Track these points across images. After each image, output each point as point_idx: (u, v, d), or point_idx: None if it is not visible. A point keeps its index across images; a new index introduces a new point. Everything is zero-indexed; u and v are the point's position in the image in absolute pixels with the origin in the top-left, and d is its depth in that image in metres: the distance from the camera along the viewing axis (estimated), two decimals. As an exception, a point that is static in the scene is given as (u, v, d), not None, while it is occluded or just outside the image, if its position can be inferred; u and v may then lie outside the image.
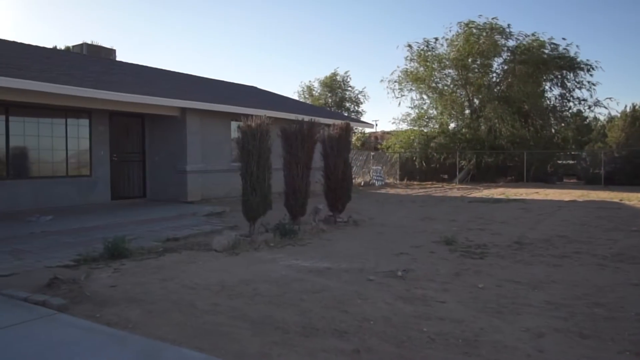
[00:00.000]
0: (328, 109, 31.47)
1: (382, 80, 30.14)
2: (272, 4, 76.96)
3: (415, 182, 24.82)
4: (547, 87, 25.69)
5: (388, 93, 33.36)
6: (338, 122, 17.96)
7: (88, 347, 3.44)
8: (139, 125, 13.99)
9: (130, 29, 77.95)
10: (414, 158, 25.77)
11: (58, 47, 26.26)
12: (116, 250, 6.46)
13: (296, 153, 9.13)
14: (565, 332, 3.75)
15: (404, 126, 27.82)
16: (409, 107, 27.85)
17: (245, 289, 4.97)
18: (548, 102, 25.94)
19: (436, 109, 26.53)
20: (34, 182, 11.65)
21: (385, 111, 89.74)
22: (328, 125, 16.46)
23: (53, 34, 74.08)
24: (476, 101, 26.09)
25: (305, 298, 4.68)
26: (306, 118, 15.86)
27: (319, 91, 33.29)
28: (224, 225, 9.47)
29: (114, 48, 19.27)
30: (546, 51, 24.29)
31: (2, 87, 9.16)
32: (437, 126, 26.37)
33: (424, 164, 25.51)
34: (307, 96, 33.67)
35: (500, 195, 16.95)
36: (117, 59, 18.54)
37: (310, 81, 37.21)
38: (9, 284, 5.02)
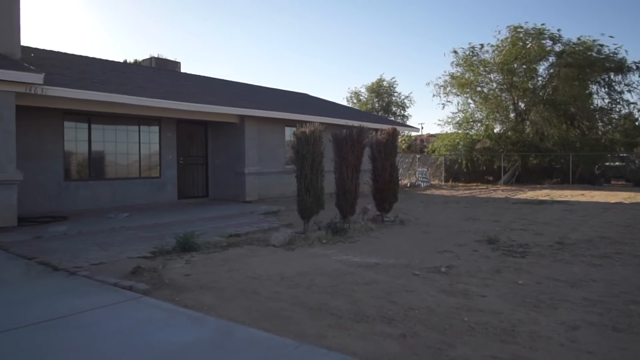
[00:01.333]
0: (375, 113, 31.51)
1: (428, 84, 29.93)
2: (322, 15, 77.59)
3: (460, 184, 24.51)
4: (593, 90, 24.68)
5: (434, 96, 33.09)
6: (385, 126, 18.10)
7: (171, 325, 3.84)
8: (203, 131, 14.69)
9: (192, 42, 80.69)
10: (459, 160, 25.43)
11: (128, 61, 27.72)
12: (186, 244, 6.89)
13: (346, 157, 9.33)
14: (599, 326, 3.84)
15: (449, 128, 27.50)
16: (454, 111, 27.52)
17: (302, 280, 5.28)
18: (595, 104, 24.92)
19: (481, 112, 26.05)
20: (112, 182, 12.50)
21: (431, 115, 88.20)
22: (375, 130, 16.66)
23: (124, 48, 77.72)
24: (522, 105, 25.42)
25: (356, 289, 4.94)
26: (355, 123, 16.13)
27: (366, 96, 33.36)
28: (280, 223, 9.78)
29: (178, 61, 20.24)
30: (593, 53, 23.36)
31: (88, 99, 10.00)
32: (482, 129, 25.88)
33: (469, 166, 25.13)
34: (354, 101, 33.80)
35: (545, 196, 16.53)
36: (182, 70, 19.47)
37: (357, 87, 37.41)
38: (99, 271, 5.55)
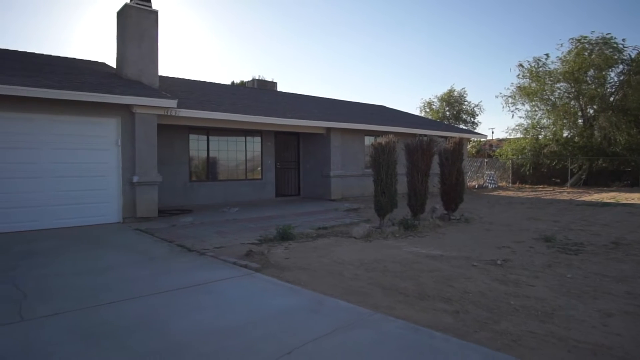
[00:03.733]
0: (446, 122, 30.88)
1: (497, 96, 28.80)
2: (397, 32, 76.80)
3: (526, 186, 23.39)
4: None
5: (503, 107, 31.80)
6: (454, 134, 17.98)
7: (276, 294, 4.53)
8: (295, 140, 15.62)
9: (285, 63, 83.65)
10: (526, 164, 24.27)
11: (235, 82, 29.72)
12: (285, 234, 7.61)
13: (417, 163, 9.55)
14: (634, 315, 3.94)
15: (517, 135, 26.26)
16: (521, 117, 26.24)
17: (377, 266, 5.77)
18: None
19: (548, 118, 24.60)
20: (224, 183, 13.78)
21: (502, 120, 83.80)
22: (445, 138, 16.59)
23: (231, 71, 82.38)
24: (590, 111, 23.67)
25: (422, 275, 5.34)
26: (425, 132, 16.23)
27: (437, 106, 32.73)
28: (359, 219, 10.18)
29: (275, 81, 21.47)
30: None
31: (208, 118, 11.24)
32: (550, 135, 24.43)
33: (535, 169, 23.89)
34: (427, 110, 33.30)
35: (611, 199, 15.43)
36: (278, 89, 20.66)
37: (430, 97, 36.81)
38: (221, 253, 6.40)
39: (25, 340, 3.33)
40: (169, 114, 10.06)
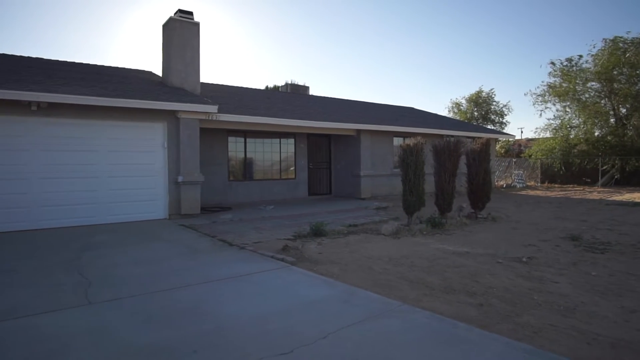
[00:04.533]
0: (474, 122, 30.30)
1: (526, 94, 27.83)
2: (426, 35, 75.77)
3: (556, 185, 22.69)
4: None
5: (533, 104, 30.88)
6: (481, 135, 17.75)
7: (311, 285, 4.75)
8: (327, 142, 15.83)
9: (317, 67, 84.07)
10: (555, 163, 23.54)
11: (269, 86, 30.25)
12: (317, 231, 7.82)
13: (444, 164, 9.57)
14: (656, 312, 3.94)
15: (546, 134, 25.49)
16: (550, 118, 25.42)
17: (405, 261, 5.91)
18: None
19: (579, 118, 23.77)
20: (260, 182, 14.15)
21: (531, 119, 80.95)
22: (472, 138, 16.43)
23: (266, 75, 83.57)
24: (623, 110, 22.74)
25: (447, 270, 5.44)
26: (453, 133, 16.12)
27: (465, 106, 32.14)
28: (388, 217, 10.27)
29: (307, 85, 21.75)
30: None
31: (245, 122, 11.61)
32: (580, 134, 23.60)
33: (565, 169, 23.15)
34: (455, 111, 32.77)
35: (643, 199, 14.88)
36: (310, 92, 20.92)
37: (458, 98, 36.22)
38: (259, 247, 6.68)
39: (92, 320, 3.69)
40: (210, 118, 10.48)
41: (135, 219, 9.37)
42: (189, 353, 3.01)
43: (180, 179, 9.80)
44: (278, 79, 73.30)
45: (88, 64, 13.01)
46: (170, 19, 11.58)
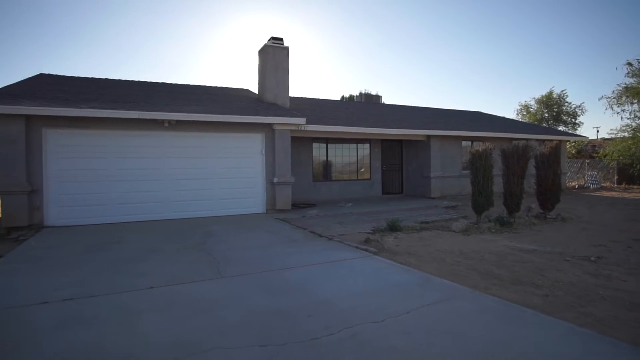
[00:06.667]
0: (544, 124, 28.20)
1: (600, 99, 25.20)
2: (494, 38, 71.46)
3: (635, 186, 20.50)
4: None
5: (606, 110, 27.97)
6: (551, 137, 16.71)
7: (392, 271, 5.18)
8: (399, 146, 16.01)
9: (389, 76, 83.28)
10: (635, 164, 21.18)
11: (344, 96, 30.86)
12: (393, 226, 8.17)
13: (512, 167, 9.34)
14: None
15: (624, 135, 22.97)
16: (629, 117, 22.83)
17: (475, 255, 6.08)
18: None
19: (661, 118, 21.14)
20: (339, 182, 14.78)
21: (607, 119, 72.63)
22: (542, 141, 15.57)
23: (341, 85, 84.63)
24: None
25: (515, 265, 5.53)
26: (521, 136, 15.43)
27: (535, 108, 29.98)
28: (457, 215, 10.24)
29: (379, 94, 22.00)
30: None
31: (327, 130, 12.29)
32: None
33: (645, 169, 20.76)
34: (524, 113, 30.72)
35: None
36: (383, 101, 21.14)
37: (527, 100, 33.88)
38: (344, 239, 7.19)
39: (227, 289, 4.48)
40: (299, 128, 11.30)
41: (240, 212, 10.46)
42: (304, 316, 3.63)
43: (275, 179, 10.72)
44: (352, 89, 73.90)
45: (200, 86, 14.57)
46: (265, 45, 12.61)
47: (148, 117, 9.17)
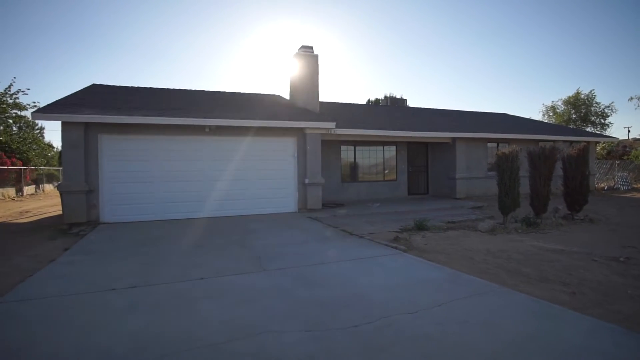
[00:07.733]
0: (571, 125, 27.20)
1: (630, 99, 24.13)
2: (517, 38, 69.23)
3: (668, 188, 19.52)
4: None
5: (637, 107, 26.74)
6: (578, 139, 16.20)
7: (422, 268, 5.28)
8: (424, 148, 15.96)
9: (413, 80, 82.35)
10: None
11: (370, 99, 30.87)
12: (421, 225, 8.22)
13: (539, 169, 9.20)
14: None
15: (657, 135, 21.95)
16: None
17: (502, 254, 6.07)
18: None
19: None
20: (367, 183, 14.89)
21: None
22: (570, 142, 15.14)
23: (364, 89, 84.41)
24: None
25: (542, 264, 5.50)
26: (547, 137, 15.06)
27: (562, 109, 28.96)
28: (483, 216, 10.18)
29: (404, 98, 21.94)
30: None
31: (355, 134, 12.45)
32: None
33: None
34: (550, 114, 29.76)
35: None
36: (408, 104, 21.06)
37: (553, 101, 32.77)
38: (374, 237, 7.31)
39: (269, 281, 4.74)
40: (329, 132, 11.52)
41: (274, 211, 10.78)
42: (342, 306, 3.84)
43: (306, 180, 10.99)
44: (377, 92, 73.56)
45: (236, 92, 15.05)
46: (296, 53, 12.92)
47: (192, 124, 9.63)
